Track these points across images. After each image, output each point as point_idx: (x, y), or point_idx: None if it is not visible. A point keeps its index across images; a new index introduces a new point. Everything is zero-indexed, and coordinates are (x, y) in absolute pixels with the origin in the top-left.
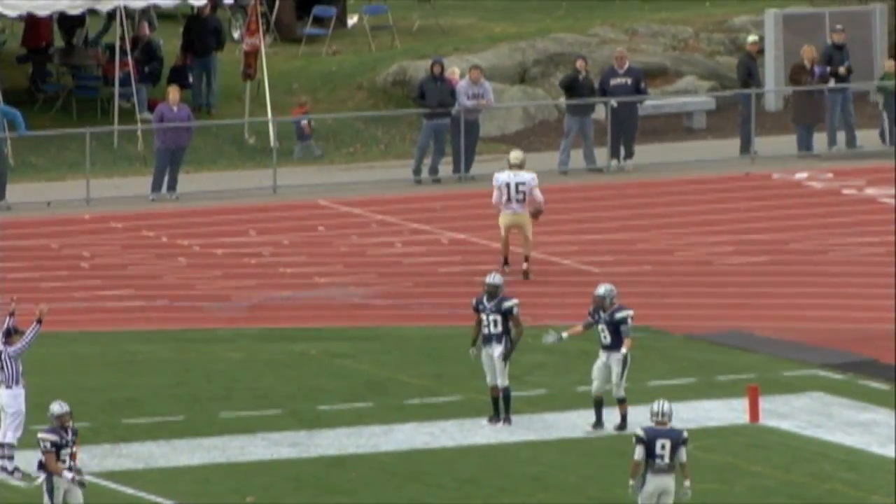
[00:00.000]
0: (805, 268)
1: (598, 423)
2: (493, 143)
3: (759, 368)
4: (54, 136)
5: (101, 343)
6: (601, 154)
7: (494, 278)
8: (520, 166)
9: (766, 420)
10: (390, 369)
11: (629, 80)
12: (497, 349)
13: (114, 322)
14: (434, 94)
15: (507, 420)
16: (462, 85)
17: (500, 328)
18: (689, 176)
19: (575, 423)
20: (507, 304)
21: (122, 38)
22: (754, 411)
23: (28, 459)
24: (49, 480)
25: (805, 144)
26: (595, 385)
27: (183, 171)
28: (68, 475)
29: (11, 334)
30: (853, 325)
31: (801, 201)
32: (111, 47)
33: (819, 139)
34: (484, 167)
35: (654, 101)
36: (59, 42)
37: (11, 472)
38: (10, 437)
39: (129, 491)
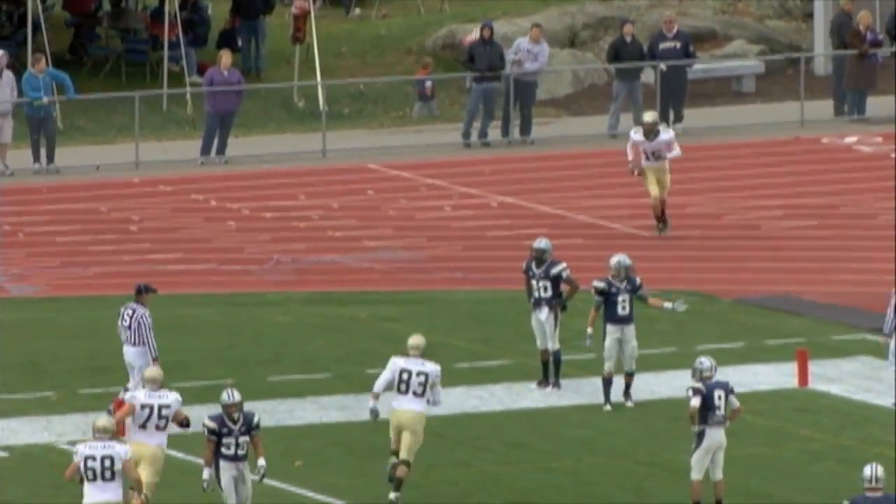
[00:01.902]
0: (854, 232)
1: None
2: (543, 107)
3: (808, 332)
4: (103, 99)
5: (150, 306)
6: None
7: (541, 243)
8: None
9: (815, 384)
10: (439, 333)
11: (678, 45)
12: (544, 311)
13: (163, 285)
14: (483, 58)
15: (557, 384)
16: (520, 42)
17: (549, 293)
18: (738, 140)
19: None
20: (555, 270)
21: (171, 1)
22: (803, 375)
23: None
24: (217, 468)
25: (856, 109)
26: (609, 365)
27: (232, 134)
28: (207, 472)
29: (143, 293)
30: None
31: (850, 165)
32: (159, 9)
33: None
34: (533, 130)
35: (703, 65)
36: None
37: None
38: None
39: (179, 455)
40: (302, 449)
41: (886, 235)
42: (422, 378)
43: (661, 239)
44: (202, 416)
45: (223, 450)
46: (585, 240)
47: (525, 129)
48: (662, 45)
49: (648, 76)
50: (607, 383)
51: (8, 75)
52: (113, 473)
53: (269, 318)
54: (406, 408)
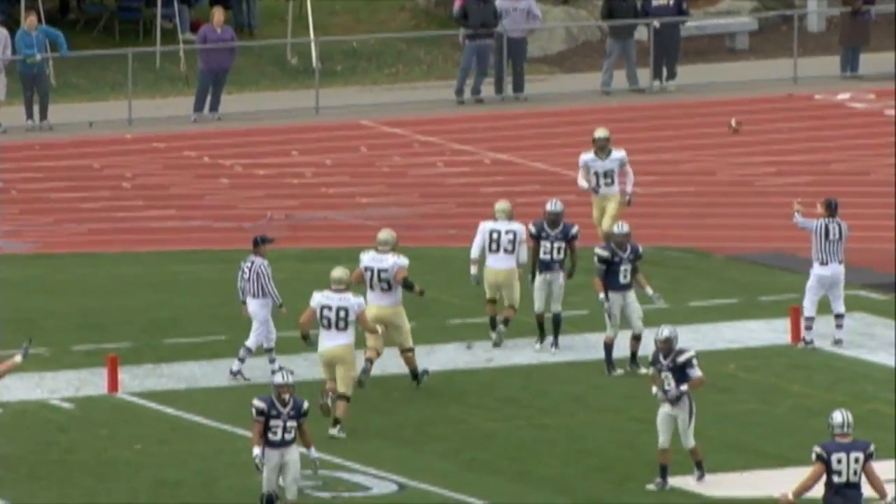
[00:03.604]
0: (847, 188)
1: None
2: (536, 64)
3: (801, 289)
4: (96, 56)
5: (144, 263)
6: (644, 75)
7: (556, 206)
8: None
9: None
10: (433, 290)
11: (671, 1)
12: (560, 275)
13: (156, 242)
14: (477, 15)
15: (555, 344)
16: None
17: (562, 255)
18: (731, 96)
19: (617, 344)
20: (573, 231)
21: None
22: (796, 332)
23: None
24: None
25: (850, 66)
26: (614, 331)
27: (225, 91)
28: (257, 450)
29: (259, 244)
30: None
31: (842, 122)
32: None
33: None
34: (527, 87)
35: (696, 22)
36: None
37: (235, 374)
38: (251, 342)
39: (171, 411)
40: None
41: (880, 192)
42: (511, 235)
43: (655, 196)
44: (195, 372)
45: (269, 435)
46: (578, 196)
47: (518, 85)
48: (656, 2)
49: (642, 33)
50: (609, 349)
51: (1, 32)
52: (346, 324)
53: None
54: (500, 267)
